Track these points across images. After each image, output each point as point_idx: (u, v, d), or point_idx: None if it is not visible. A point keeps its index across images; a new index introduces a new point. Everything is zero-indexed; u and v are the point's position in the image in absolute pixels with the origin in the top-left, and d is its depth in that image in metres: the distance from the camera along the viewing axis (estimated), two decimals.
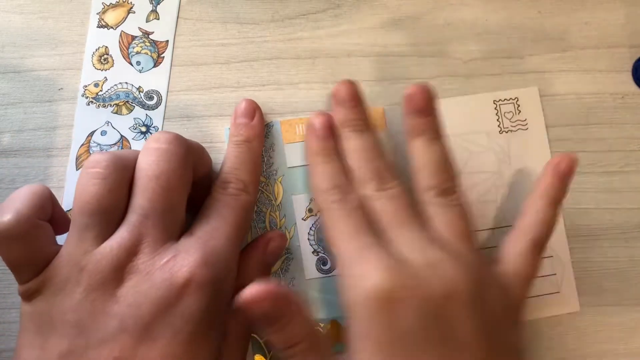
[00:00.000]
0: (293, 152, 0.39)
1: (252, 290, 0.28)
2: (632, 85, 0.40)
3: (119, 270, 0.30)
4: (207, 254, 0.31)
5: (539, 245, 0.33)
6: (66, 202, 0.38)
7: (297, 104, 0.40)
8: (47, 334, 0.29)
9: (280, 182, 0.38)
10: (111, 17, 0.41)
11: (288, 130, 0.39)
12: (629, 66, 0.40)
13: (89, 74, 0.40)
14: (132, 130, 0.40)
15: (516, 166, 0.39)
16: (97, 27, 0.41)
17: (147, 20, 0.41)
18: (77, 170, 0.39)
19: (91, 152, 0.39)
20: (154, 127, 0.40)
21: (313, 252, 0.38)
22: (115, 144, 0.39)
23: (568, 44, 0.41)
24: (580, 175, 0.39)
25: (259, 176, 0.37)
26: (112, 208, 0.31)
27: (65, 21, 0.41)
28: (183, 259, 0.30)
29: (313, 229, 0.38)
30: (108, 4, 0.41)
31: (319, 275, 0.38)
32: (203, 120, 0.40)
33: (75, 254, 0.30)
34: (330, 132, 0.35)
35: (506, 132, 0.39)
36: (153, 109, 0.40)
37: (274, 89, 0.40)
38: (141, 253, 0.30)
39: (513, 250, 0.33)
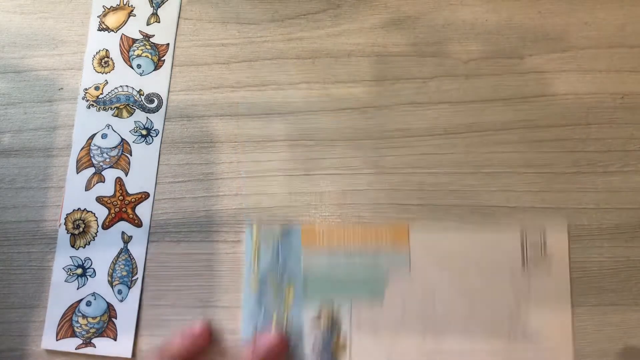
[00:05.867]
0: (311, 259, 0.38)
1: None
2: (632, 85, 0.40)
3: None
4: None
5: None
6: (66, 203, 0.38)
7: (297, 104, 0.40)
8: None
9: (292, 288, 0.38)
10: (112, 20, 0.41)
11: (308, 234, 0.38)
12: (629, 66, 0.40)
13: (89, 77, 0.40)
14: (133, 133, 0.39)
15: (534, 310, 0.38)
16: (97, 30, 0.41)
17: (148, 24, 0.41)
18: (77, 173, 0.39)
19: (91, 154, 0.39)
20: (154, 130, 0.40)
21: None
22: (115, 147, 0.39)
23: (568, 44, 0.41)
24: (580, 175, 0.39)
25: None
26: None
27: (65, 21, 0.41)
28: None
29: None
30: (108, 7, 0.41)
31: None
32: (203, 120, 0.40)
33: None
34: None
35: (529, 273, 0.38)
36: (154, 112, 0.40)
37: (274, 89, 0.40)
38: None
39: None
